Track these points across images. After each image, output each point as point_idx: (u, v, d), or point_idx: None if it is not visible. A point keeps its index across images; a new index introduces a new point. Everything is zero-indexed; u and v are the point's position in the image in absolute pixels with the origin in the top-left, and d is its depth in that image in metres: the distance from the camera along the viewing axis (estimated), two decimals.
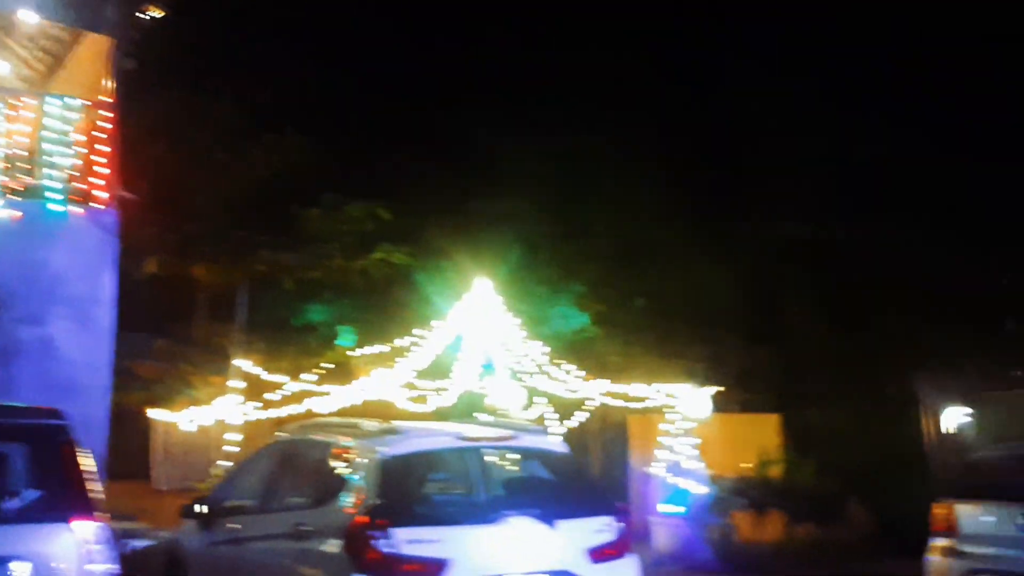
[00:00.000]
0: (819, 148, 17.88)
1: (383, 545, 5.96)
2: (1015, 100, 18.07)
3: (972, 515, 8.64)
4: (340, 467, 6.69)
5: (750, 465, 14.80)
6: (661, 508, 13.60)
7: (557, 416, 17.82)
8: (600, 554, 6.53)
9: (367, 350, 14.62)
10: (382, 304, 14.72)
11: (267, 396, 13.01)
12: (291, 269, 14.73)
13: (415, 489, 6.72)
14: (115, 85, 11.69)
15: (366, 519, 6.11)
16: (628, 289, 16.58)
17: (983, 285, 17.49)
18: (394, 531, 6.01)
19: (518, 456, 7.29)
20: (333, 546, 6.21)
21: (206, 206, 14.67)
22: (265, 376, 12.59)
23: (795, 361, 17.07)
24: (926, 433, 16.41)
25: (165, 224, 14.35)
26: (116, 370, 11.66)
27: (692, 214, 16.95)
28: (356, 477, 6.48)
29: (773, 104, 18.02)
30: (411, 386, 13.91)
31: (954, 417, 16.59)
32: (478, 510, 6.53)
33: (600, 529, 6.63)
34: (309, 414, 12.38)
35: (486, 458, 7.00)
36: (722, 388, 15.86)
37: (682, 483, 13.61)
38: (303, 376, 12.75)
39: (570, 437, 18.01)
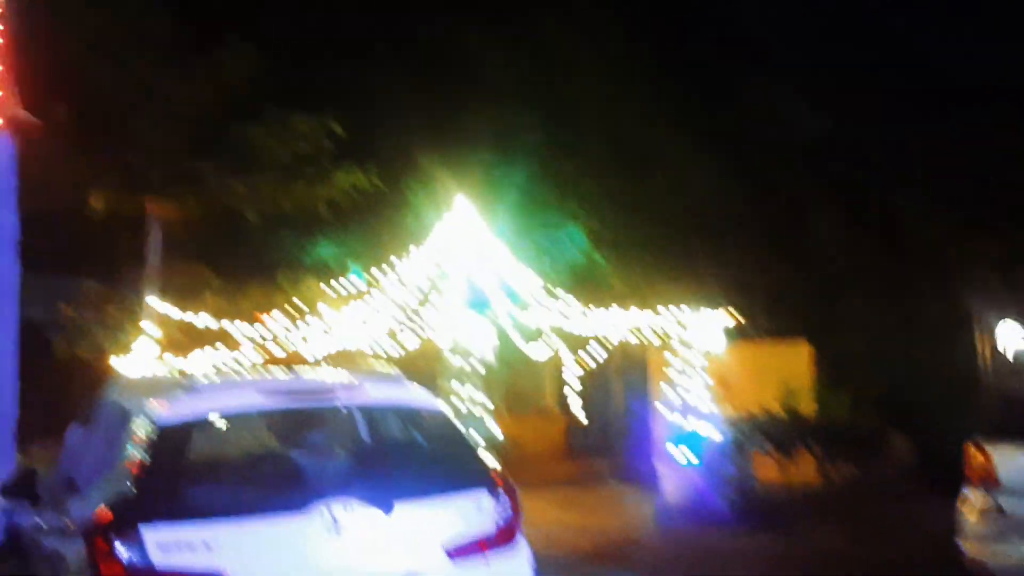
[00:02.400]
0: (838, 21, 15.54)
1: (126, 552, 4.24)
2: None
3: (1018, 463, 6.78)
4: (126, 440, 4.84)
5: (775, 400, 12.99)
6: (669, 454, 11.91)
7: (571, 354, 16.32)
8: (467, 549, 4.70)
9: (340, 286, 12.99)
10: (351, 236, 12.98)
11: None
12: (251, 200, 13.01)
13: (194, 469, 4.95)
14: None
15: (108, 515, 4.37)
16: (628, 204, 14.70)
17: None
18: (147, 532, 4.26)
19: (359, 416, 5.46)
20: (76, 553, 4.52)
21: (147, 132, 12.93)
22: (181, 316, 10.97)
23: (825, 279, 15.15)
24: (980, 355, 14.46)
25: (104, 153, 12.70)
26: (38, 319, 10.12)
27: (695, 113, 14.91)
28: (127, 454, 4.69)
29: None
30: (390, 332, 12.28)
31: (1013, 336, 14.59)
32: (283, 496, 4.65)
33: (469, 513, 4.77)
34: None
35: (309, 421, 5.20)
36: (741, 313, 14.08)
37: (694, 425, 11.88)
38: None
39: (588, 377, 16.50)
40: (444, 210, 12.76)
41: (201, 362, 12.00)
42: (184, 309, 11.80)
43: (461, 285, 12.56)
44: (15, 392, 9.42)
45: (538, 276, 13.52)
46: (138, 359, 10.96)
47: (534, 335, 15.22)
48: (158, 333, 11.59)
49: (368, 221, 13.85)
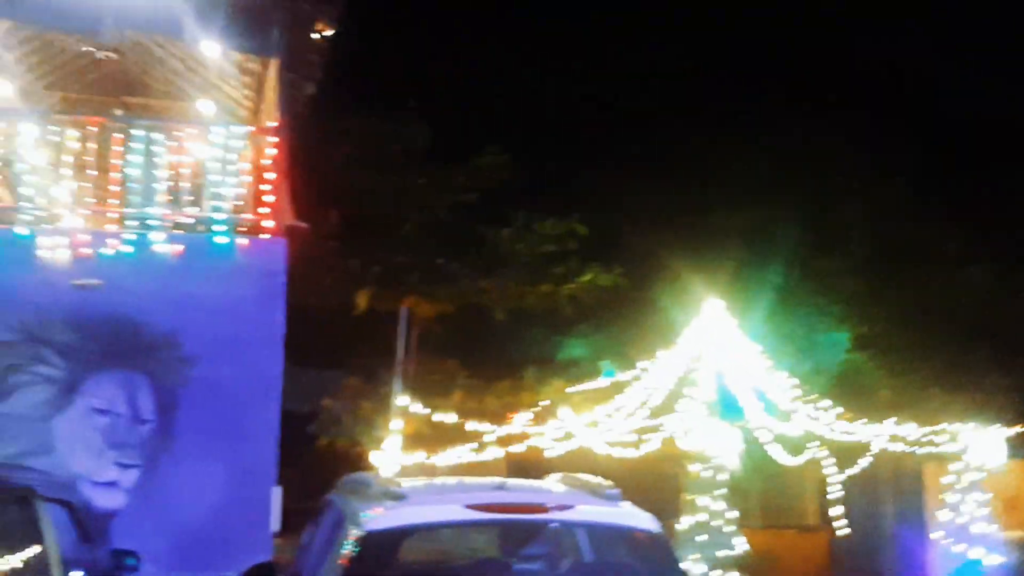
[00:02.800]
0: None
1: None
2: None
3: None
4: (339, 541, 4.92)
5: None
6: None
7: (834, 462, 15.20)
8: None
9: (586, 385, 12.91)
10: (595, 335, 12.90)
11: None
12: (498, 298, 13.34)
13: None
14: (284, 109, 10.99)
15: None
16: (898, 304, 13.58)
17: None
18: None
19: (567, 533, 5.16)
20: None
21: (407, 235, 13.70)
22: (429, 412, 11.23)
23: None
24: None
25: (366, 255, 13.57)
26: (299, 410, 10.81)
27: (973, 203, 13.62)
28: (339, 554, 4.66)
29: None
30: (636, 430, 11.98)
31: None
32: None
33: None
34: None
35: (514, 535, 5.03)
36: None
37: (974, 551, 10.50)
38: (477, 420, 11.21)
39: (854, 487, 15.23)
40: (693, 311, 12.42)
41: (445, 458, 12.24)
42: (433, 406, 12.13)
43: (710, 389, 12.08)
44: (274, 481, 10.03)
45: (796, 382, 12.79)
46: (387, 453, 11.34)
47: (792, 443, 14.29)
48: (405, 427, 11.98)
49: (614, 321, 13.73)
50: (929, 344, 13.28)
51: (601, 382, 12.85)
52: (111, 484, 9.62)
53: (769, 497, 16.08)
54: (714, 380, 12.13)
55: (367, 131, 13.36)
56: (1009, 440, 11.03)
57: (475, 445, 12.30)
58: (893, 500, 15.23)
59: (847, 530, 15.24)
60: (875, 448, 13.04)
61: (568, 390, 13.13)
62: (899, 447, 12.38)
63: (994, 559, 10.30)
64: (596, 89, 15.90)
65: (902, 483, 14.73)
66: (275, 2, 10.80)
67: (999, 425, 11.12)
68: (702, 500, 10.26)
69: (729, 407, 12.61)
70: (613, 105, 15.85)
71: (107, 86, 14.68)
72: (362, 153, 13.47)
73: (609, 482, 5.14)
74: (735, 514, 10.35)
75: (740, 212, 15.07)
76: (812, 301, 13.79)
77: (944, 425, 11.04)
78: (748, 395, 12.51)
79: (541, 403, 12.68)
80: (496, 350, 14.65)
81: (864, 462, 14.66)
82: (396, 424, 10.40)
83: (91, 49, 12.60)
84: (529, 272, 13.28)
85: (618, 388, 12.41)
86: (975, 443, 10.97)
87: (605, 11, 17.43)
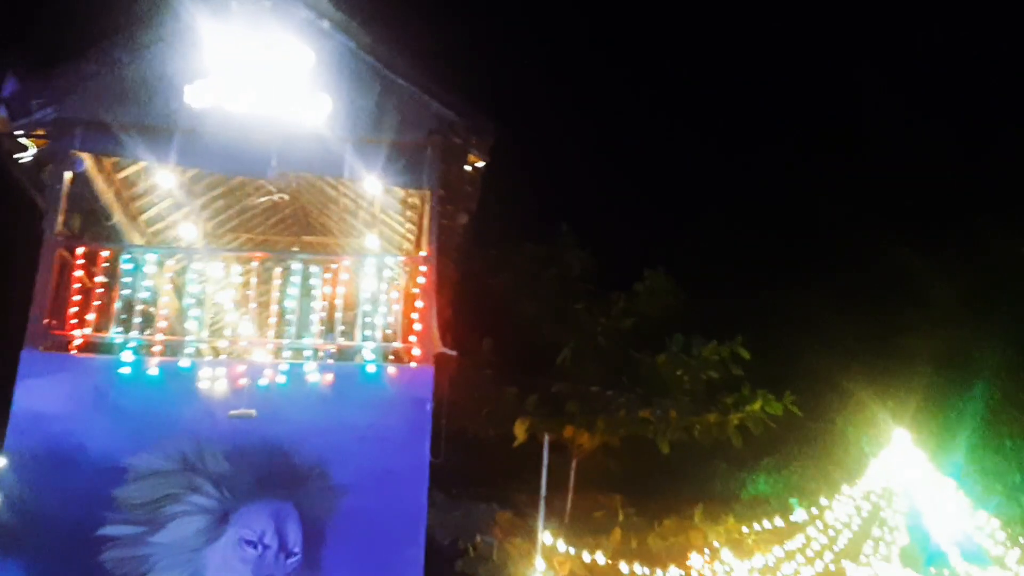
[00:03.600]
0: None
1: None
2: None
3: None
4: None
5: None
6: None
7: None
8: None
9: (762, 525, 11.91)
10: (771, 469, 11.95)
11: None
12: (663, 428, 12.68)
13: None
14: (435, 239, 11.11)
15: None
16: None
17: None
18: None
19: None
20: None
21: (566, 363, 13.38)
22: (584, 556, 10.55)
23: None
24: None
25: (526, 383, 13.33)
26: (446, 542, 10.49)
27: None
28: None
29: None
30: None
31: None
32: None
33: None
34: None
35: None
36: None
37: None
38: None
39: None
40: (880, 443, 11.35)
41: None
42: (591, 545, 11.48)
43: (900, 531, 10.88)
44: None
45: (1009, 522, 11.35)
46: None
47: None
48: (556, 567, 11.36)
49: (791, 454, 12.70)
50: None
51: (778, 522, 11.81)
52: None
53: None
54: (904, 520, 10.94)
55: (524, 259, 13.33)
56: None
57: None
58: None
59: None
60: None
61: (745, 530, 12.15)
62: None
63: None
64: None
65: None
66: (429, 139, 11.11)
67: None
68: None
69: (932, 555, 11.30)
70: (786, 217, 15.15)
71: (286, 227, 15.58)
72: (520, 281, 13.41)
73: None
74: None
75: (934, 334, 13.86)
76: (1015, 429, 12.27)
77: None
78: (947, 538, 11.16)
79: (714, 544, 11.78)
80: (663, 486, 13.87)
81: None
82: (540, 564, 9.82)
83: (269, 194, 13.39)
84: (693, 401, 12.58)
85: (799, 529, 11.37)
86: None
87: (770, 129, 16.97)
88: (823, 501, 11.06)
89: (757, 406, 12.18)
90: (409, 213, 13.26)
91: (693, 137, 16.03)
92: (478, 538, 12.21)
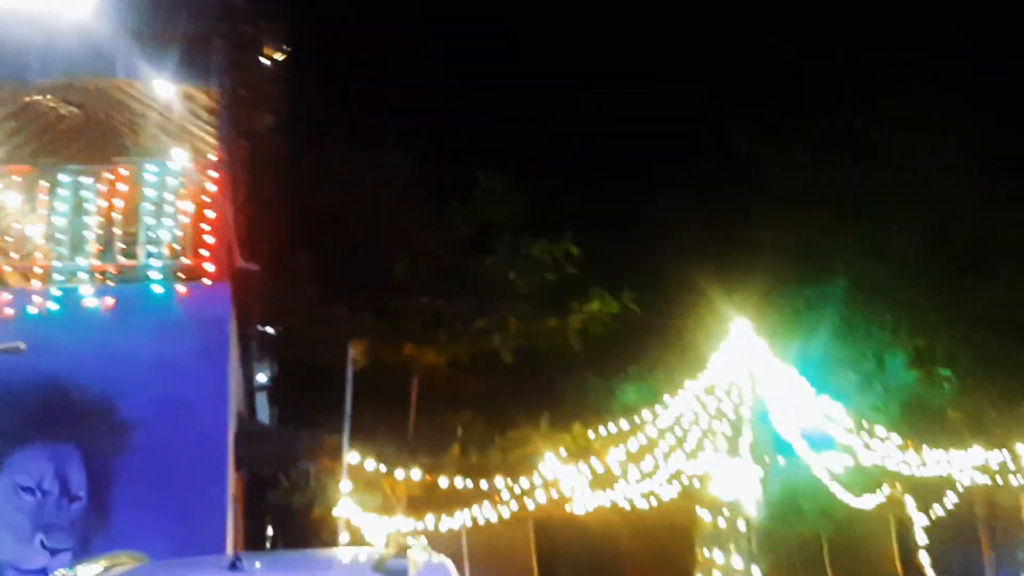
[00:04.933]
0: None
1: None
2: None
3: None
4: None
5: None
6: None
7: (913, 502, 13.23)
8: None
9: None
10: (609, 371, 11.34)
11: None
12: (504, 337, 11.91)
13: None
14: (226, 143, 9.93)
15: None
16: (966, 314, 11.60)
17: None
18: None
19: None
20: None
21: (399, 277, 12.44)
22: (398, 476, 9.82)
23: None
24: None
25: (357, 301, 12.34)
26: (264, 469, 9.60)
27: None
28: None
29: None
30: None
31: None
32: None
33: None
34: None
35: None
36: None
37: None
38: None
39: (939, 532, 13.18)
40: (720, 338, 10.81)
41: (449, 523, 10.86)
42: (427, 466, 10.74)
43: (741, 424, 10.44)
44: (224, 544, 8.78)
45: (848, 410, 11.02)
46: (366, 517, 10.01)
47: (861, 483, 12.38)
48: (400, 490, 10.60)
49: (629, 353, 12.12)
50: (1007, 357, 11.21)
51: (624, 425, 11.20)
52: (39, 572, 8.53)
53: (839, 546, 14.04)
54: (750, 414, 10.49)
55: (347, 167, 12.22)
56: None
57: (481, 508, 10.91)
58: (991, 543, 13.07)
59: None
60: (963, 480, 11.11)
61: (592, 435, 11.51)
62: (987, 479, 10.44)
63: None
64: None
65: (998, 522, 12.63)
66: (214, 29, 9.88)
67: None
68: (717, 555, 8.52)
69: (775, 443, 10.95)
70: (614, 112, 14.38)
71: (96, 149, 14.06)
72: (345, 191, 12.32)
73: (416, 549, 3.69)
74: (757, 573, 8.54)
75: (782, 223, 13.40)
76: (861, 319, 11.92)
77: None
78: (791, 429, 10.79)
79: (561, 452, 11.13)
80: (531, 403, 13.20)
81: (952, 500, 12.66)
82: (345, 486, 9.03)
83: (55, 107, 11.89)
84: (533, 307, 11.83)
85: (641, 430, 10.80)
86: None
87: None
88: (667, 398, 10.50)
89: (595, 305, 11.53)
90: (207, 116, 11.98)
91: (530, 30, 15.05)
92: (296, 467, 11.33)
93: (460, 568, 14.60)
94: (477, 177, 12.60)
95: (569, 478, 9.85)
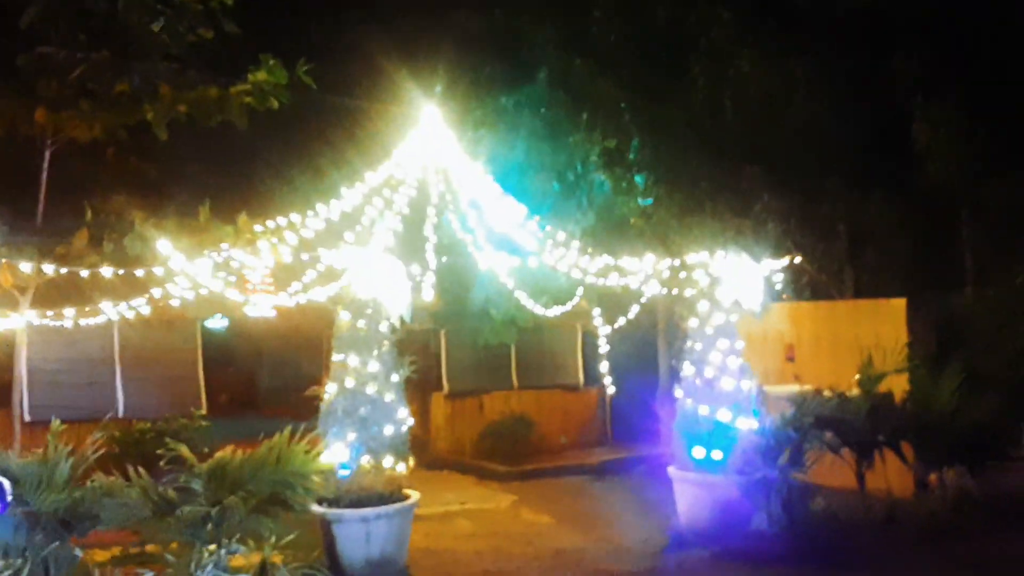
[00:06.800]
0: None
1: None
2: None
3: None
4: None
5: (848, 379, 9.18)
6: (686, 453, 8.39)
7: (601, 314, 12.98)
8: None
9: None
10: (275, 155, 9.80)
11: None
12: (156, 106, 9.93)
13: None
14: None
15: None
16: (658, 114, 10.93)
17: None
18: None
19: None
20: None
21: (37, 24, 10.01)
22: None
23: (934, 217, 11.11)
24: None
25: None
26: None
27: None
28: None
29: None
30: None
31: None
32: None
33: None
34: None
35: None
36: (810, 261, 10.33)
37: (723, 415, 8.27)
38: None
39: (622, 341, 13.12)
40: (405, 125, 9.52)
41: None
42: (47, 254, 9.01)
43: (428, 225, 9.39)
44: None
45: (535, 214, 10.21)
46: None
47: (542, 289, 11.91)
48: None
49: (303, 140, 10.66)
50: (694, 162, 10.71)
51: (295, 217, 9.82)
52: None
53: (526, 355, 13.81)
54: (431, 213, 9.45)
55: None
56: (787, 279, 8.76)
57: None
58: (667, 353, 13.18)
59: (612, 388, 13.22)
60: (646, 289, 10.72)
61: (259, 228, 10.03)
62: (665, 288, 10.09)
63: (749, 422, 8.09)
64: None
65: (672, 330, 12.66)
66: None
67: (765, 258, 8.79)
68: (353, 361, 7.56)
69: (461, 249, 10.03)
70: None
71: None
72: None
73: None
74: (396, 378, 7.71)
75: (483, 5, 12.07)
76: (554, 114, 11.04)
77: (694, 257, 8.63)
78: (480, 232, 9.89)
79: (222, 247, 9.63)
80: (176, 184, 11.45)
81: (634, 311, 12.52)
82: None
83: None
84: (184, 71, 9.94)
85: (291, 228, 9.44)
86: (743, 279, 8.62)
87: None
88: (343, 190, 9.18)
89: (262, 75, 9.85)
90: None
91: None
92: None
93: (111, 366, 13.04)
94: None
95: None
